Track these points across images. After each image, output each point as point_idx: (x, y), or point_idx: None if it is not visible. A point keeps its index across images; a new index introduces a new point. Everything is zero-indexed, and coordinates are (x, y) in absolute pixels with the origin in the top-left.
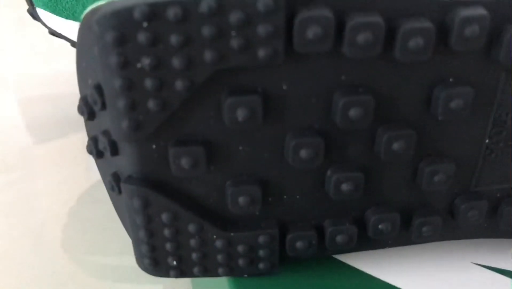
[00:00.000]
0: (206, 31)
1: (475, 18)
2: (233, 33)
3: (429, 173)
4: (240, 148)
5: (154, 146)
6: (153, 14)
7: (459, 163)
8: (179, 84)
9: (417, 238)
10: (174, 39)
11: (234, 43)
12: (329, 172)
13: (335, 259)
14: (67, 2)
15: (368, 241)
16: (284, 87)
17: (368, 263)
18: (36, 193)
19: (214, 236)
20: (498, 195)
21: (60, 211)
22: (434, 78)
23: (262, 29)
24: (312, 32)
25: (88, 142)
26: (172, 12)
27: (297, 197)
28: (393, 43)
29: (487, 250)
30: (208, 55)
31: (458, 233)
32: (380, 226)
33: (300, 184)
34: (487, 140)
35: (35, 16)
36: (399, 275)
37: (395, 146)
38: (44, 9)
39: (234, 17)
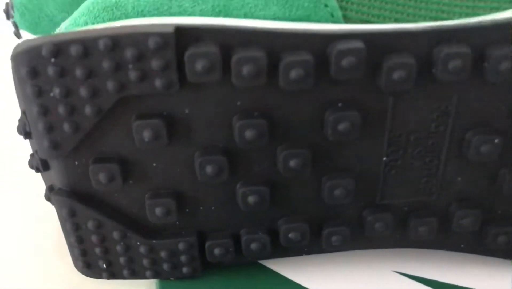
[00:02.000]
0: (106, 65)
1: (352, 51)
2: (130, 66)
3: (329, 187)
4: (154, 164)
5: (76, 163)
6: (58, 51)
7: (362, 178)
8: (88, 110)
9: (328, 247)
10: (79, 72)
11: (132, 75)
12: (238, 186)
13: (259, 263)
14: (44, 25)
15: (283, 248)
16: (187, 111)
17: (292, 269)
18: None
19: (138, 243)
20: (405, 208)
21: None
22: (324, 103)
23: (155, 63)
24: (200, 65)
25: (29, 158)
26: (74, 49)
27: (213, 208)
28: (277, 74)
29: (408, 258)
30: (110, 85)
31: (370, 243)
32: (290, 235)
33: (214, 197)
34: (384, 158)
35: (19, 37)
36: (320, 282)
37: (292, 163)
38: (27, 31)
39: (129, 53)
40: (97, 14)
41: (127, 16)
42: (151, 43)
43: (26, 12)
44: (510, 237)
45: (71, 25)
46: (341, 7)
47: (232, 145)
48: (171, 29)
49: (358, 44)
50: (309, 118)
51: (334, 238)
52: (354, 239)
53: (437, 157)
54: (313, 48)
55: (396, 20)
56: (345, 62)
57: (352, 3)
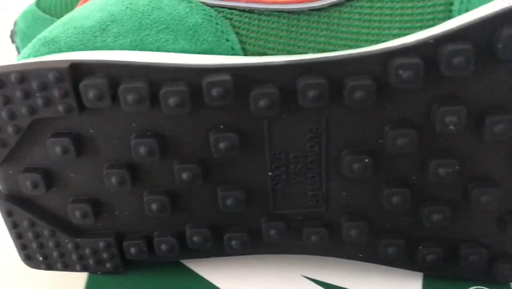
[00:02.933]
0: (18, 93)
1: (219, 82)
2: (37, 94)
3: (222, 197)
4: (72, 174)
5: (10, 171)
6: None
7: (252, 190)
8: (10, 129)
9: (230, 250)
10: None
11: (39, 101)
12: (144, 194)
13: (180, 263)
14: None
15: (191, 250)
16: (91, 131)
17: (209, 269)
18: None
19: (66, 240)
20: (299, 218)
21: None
22: (208, 125)
23: (56, 92)
24: (91, 94)
25: None
26: None
27: (126, 213)
28: (158, 102)
29: (320, 265)
30: (24, 110)
31: (271, 248)
32: (194, 239)
33: (125, 204)
34: (270, 173)
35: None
36: (232, 282)
37: (184, 176)
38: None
39: (35, 84)
40: (37, 49)
41: (60, 50)
42: (51, 76)
43: (25, 38)
44: (400, 248)
45: (21, 57)
46: (240, 41)
47: (132, 160)
48: (66, 65)
49: (225, 77)
50: (196, 138)
51: (233, 243)
52: (255, 244)
53: (318, 173)
54: (188, 79)
55: (289, 52)
56: (214, 92)
57: (250, 38)
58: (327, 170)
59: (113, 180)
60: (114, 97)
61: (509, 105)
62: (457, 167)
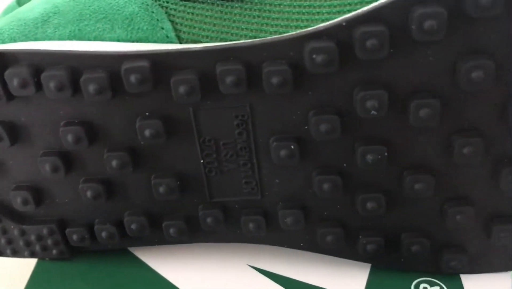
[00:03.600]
0: None
1: (136, 69)
2: None
3: (155, 185)
4: (11, 162)
5: None
6: None
7: (185, 178)
8: None
9: (169, 238)
10: None
11: None
12: (80, 182)
13: (127, 250)
14: None
15: (132, 238)
16: (23, 119)
17: (155, 258)
18: None
19: (12, 227)
20: (236, 206)
21: None
22: (133, 112)
23: None
24: (15, 82)
25: None
26: None
27: (66, 200)
28: (80, 89)
29: (268, 254)
30: None
31: (211, 236)
32: (132, 227)
33: (63, 191)
34: (202, 161)
35: None
36: (176, 271)
37: (114, 164)
38: None
39: None
40: None
41: (3, 42)
42: None
43: None
44: (339, 237)
45: None
46: (175, 29)
47: (63, 147)
48: None
49: (143, 63)
50: (124, 125)
51: (172, 231)
52: (194, 233)
53: (249, 160)
54: (107, 66)
55: (222, 40)
56: (133, 78)
57: (185, 26)
58: (257, 157)
59: (47, 167)
60: (39, 85)
61: (432, 88)
62: (386, 154)
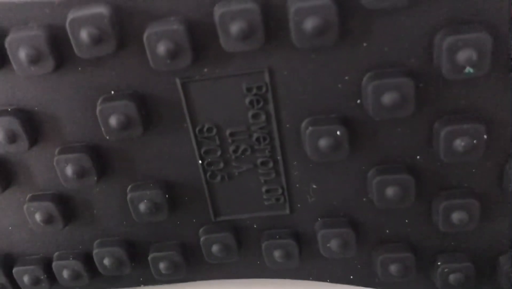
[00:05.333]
0: None
1: (89, 19)
2: None
3: (132, 200)
4: None
5: None
6: None
7: (180, 189)
8: None
9: (159, 276)
10: None
11: None
12: (25, 201)
13: None
14: None
15: (106, 278)
16: None
17: None
18: None
19: None
20: (255, 226)
21: None
22: (94, 90)
23: None
24: None
25: None
26: None
27: (9, 228)
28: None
29: None
30: None
31: (216, 272)
32: (105, 262)
33: (4, 215)
34: (200, 162)
35: None
36: None
37: (69, 170)
38: None
39: None
40: None
41: None
42: None
43: None
44: (408, 264)
45: None
46: None
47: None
48: None
49: (101, 10)
50: (78, 112)
51: (162, 265)
52: (194, 267)
53: (272, 157)
54: (45, 19)
55: None
56: (85, 36)
57: None
58: (283, 151)
59: None
60: None
61: None
62: (485, 135)
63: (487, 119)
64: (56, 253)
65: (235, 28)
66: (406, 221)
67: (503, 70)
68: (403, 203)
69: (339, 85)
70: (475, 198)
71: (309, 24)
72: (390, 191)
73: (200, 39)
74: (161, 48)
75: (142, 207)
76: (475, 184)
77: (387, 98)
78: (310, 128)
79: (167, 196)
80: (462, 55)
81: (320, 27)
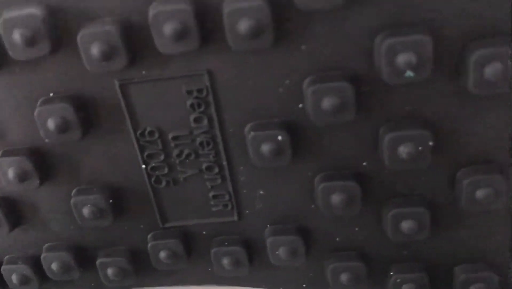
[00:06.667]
0: None
1: (21, 20)
2: None
3: (76, 204)
4: None
5: None
6: None
7: (125, 193)
8: None
9: (108, 282)
10: None
11: None
12: None
13: None
14: None
15: (56, 283)
16: None
17: None
18: None
19: None
20: (204, 233)
21: None
22: (35, 94)
23: None
24: None
25: None
26: None
27: None
28: None
29: None
30: None
31: (161, 279)
32: (53, 266)
33: None
34: (143, 166)
35: None
36: None
37: (10, 173)
38: None
39: None
40: None
41: None
42: None
43: None
44: (359, 273)
45: None
46: None
47: None
48: None
49: (33, 10)
50: (16, 115)
51: (110, 271)
52: (143, 273)
53: (217, 161)
54: None
55: None
56: (17, 36)
57: None
58: (228, 156)
59: None
60: None
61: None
62: (430, 142)
63: (434, 125)
64: (6, 257)
65: (168, 29)
66: (356, 229)
67: (447, 75)
68: (349, 210)
69: (280, 89)
70: (425, 207)
71: (243, 26)
72: (335, 198)
73: (136, 40)
74: (95, 50)
75: (85, 212)
76: (426, 191)
77: (327, 103)
78: (252, 133)
79: (111, 200)
80: (402, 58)
81: (254, 29)
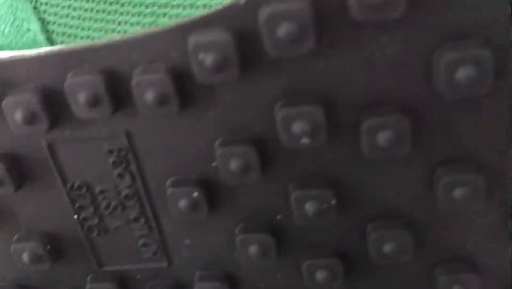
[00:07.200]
0: None
1: None
2: None
3: (15, 251)
4: None
5: None
6: None
7: (63, 240)
8: None
9: None
10: None
11: None
12: None
13: None
14: None
15: None
16: None
17: None
18: None
19: None
20: (138, 277)
21: None
22: None
23: None
24: None
25: None
26: None
27: None
28: None
29: None
30: None
31: None
32: None
33: None
34: (76, 216)
35: None
36: None
37: None
38: None
39: None
40: None
41: None
42: None
43: None
44: None
45: None
46: (45, 30)
47: None
48: None
49: None
50: None
51: None
52: None
53: (142, 213)
54: None
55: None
56: None
57: (59, 25)
58: (153, 209)
59: None
60: None
61: (395, 99)
62: (334, 201)
63: (338, 184)
64: None
65: (82, 98)
66: (278, 276)
67: (344, 139)
68: (266, 260)
69: (194, 149)
70: (338, 257)
71: (149, 96)
72: (252, 249)
73: (57, 106)
74: (18, 116)
75: (25, 257)
76: (337, 244)
77: (234, 165)
78: (169, 189)
79: (49, 247)
80: (297, 127)
81: (159, 99)
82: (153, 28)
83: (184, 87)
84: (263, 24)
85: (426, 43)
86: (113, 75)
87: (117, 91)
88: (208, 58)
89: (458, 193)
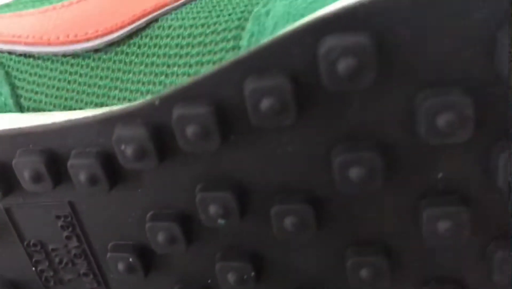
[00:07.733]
0: None
1: None
2: None
3: None
4: None
5: None
6: None
7: (22, 287)
8: None
9: None
10: None
11: None
12: None
13: None
14: None
15: None
16: None
17: None
18: None
19: None
20: None
21: None
22: None
23: None
24: None
25: None
26: None
27: None
28: None
29: None
30: None
31: None
32: None
33: None
34: (33, 268)
35: None
36: None
37: None
38: None
39: None
40: None
41: None
42: None
43: None
44: None
45: None
46: (15, 95)
47: None
48: None
49: None
50: None
51: None
52: None
53: (90, 270)
54: None
55: (66, 108)
56: None
57: (26, 90)
58: (99, 266)
59: None
60: None
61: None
62: (253, 273)
63: (256, 257)
64: None
65: (26, 175)
66: None
67: (256, 220)
68: None
69: (129, 219)
70: None
71: (82, 177)
72: None
73: (9, 178)
74: None
75: None
76: None
77: (161, 237)
78: (109, 254)
79: None
80: (212, 209)
81: (91, 180)
82: (83, 115)
83: (114, 169)
84: (174, 123)
85: (321, 143)
86: (53, 155)
87: (57, 169)
88: (128, 149)
89: None
